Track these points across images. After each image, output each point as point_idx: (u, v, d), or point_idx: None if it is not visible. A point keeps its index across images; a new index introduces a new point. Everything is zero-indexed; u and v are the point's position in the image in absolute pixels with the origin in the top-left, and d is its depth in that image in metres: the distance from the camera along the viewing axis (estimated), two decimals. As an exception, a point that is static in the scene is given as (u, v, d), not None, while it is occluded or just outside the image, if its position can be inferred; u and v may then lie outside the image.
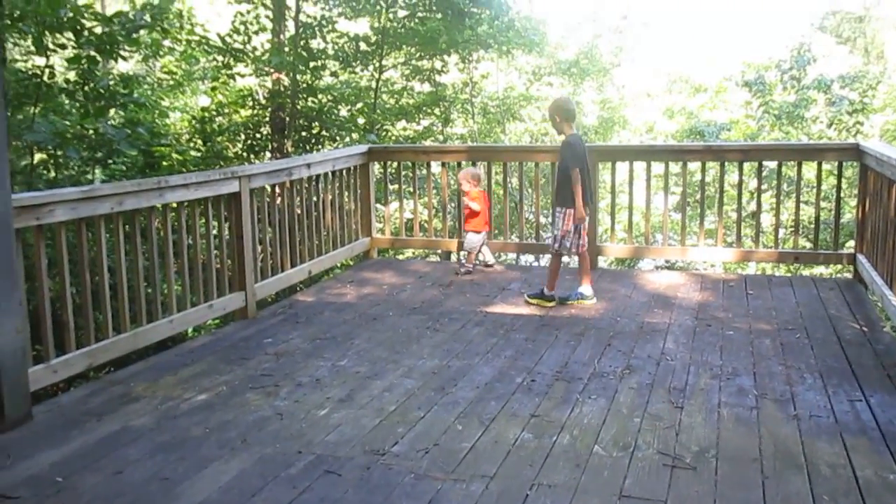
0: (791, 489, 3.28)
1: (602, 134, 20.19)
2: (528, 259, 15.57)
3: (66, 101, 9.51)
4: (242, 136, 12.19)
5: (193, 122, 12.32)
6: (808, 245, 12.24)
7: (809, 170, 8.85)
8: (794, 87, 15.66)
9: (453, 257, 14.78)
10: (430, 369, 4.80)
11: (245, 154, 11.96)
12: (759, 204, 7.57)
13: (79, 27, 8.29)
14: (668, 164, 7.75)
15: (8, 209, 3.94)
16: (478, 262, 7.63)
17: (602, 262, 8.20)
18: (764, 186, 10.28)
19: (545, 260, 15.72)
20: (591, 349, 5.15)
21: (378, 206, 8.64)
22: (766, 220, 12.64)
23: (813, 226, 7.32)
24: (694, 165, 9.96)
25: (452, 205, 10.85)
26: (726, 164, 7.70)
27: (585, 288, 6.30)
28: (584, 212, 6.03)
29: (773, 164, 9.39)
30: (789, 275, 8.57)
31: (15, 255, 3.99)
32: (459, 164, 8.28)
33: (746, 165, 9.79)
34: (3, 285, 3.88)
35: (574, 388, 4.45)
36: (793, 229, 8.41)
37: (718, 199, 7.68)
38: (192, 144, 11.78)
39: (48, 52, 8.60)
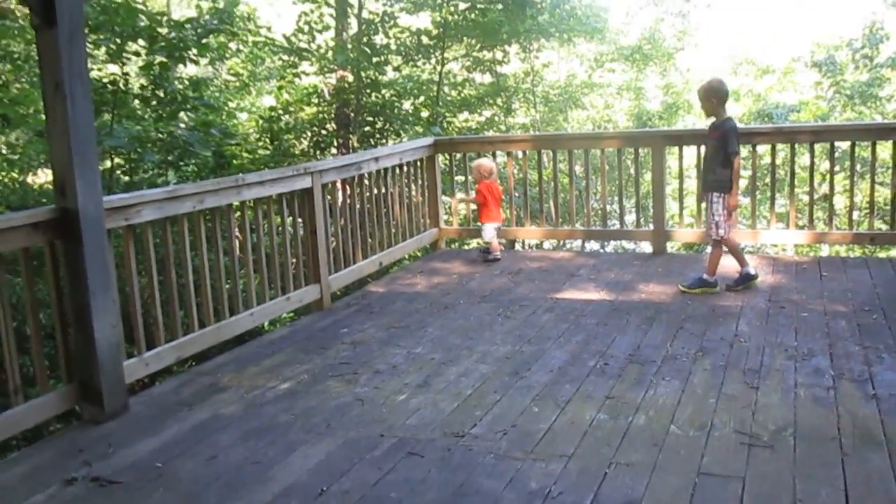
0: (871, 466, 3.29)
1: (667, 119, 19.97)
2: (593, 245, 15.54)
3: (140, 107, 9.86)
4: (308, 134, 12.44)
5: (261, 121, 12.62)
6: (884, 227, 11.95)
7: (884, 150, 8.66)
8: (867, 65, 15.26)
9: (518, 246, 14.85)
10: (504, 355, 4.89)
11: (311, 151, 12.22)
12: (831, 186, 7.46)
13: (154, 34, 8.58)
14: (738, 150, 7.67)
15: (100, 211, 4.16)
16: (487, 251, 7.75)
17: (670, 248, 8.18)
18: (836, 168, 10.09)
19: (611, 246, 15.69)
20: (663, 333, 5.17)
21: (444, 197, 8.75)
22: (840, 202, 12.38)
23: (889, 207, 7.18)
24: (763, 148, 9.82)
25: (517, 193, 10.91)
26: (797, 146, 7.60)
27: (711, 277, 6.16)
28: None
29: (845, 145, 9.22)
30: (865, 256, 8.41)
31: (108, 254, 4.22)
32: (524, 154, 8.34)
33: (818, 147, 9.63)
34: (99, 284, 4.11)
35: (647, 370, 4.49)
36: (867, 211, 8.26)
37: (789, 181, 7.58)
38: (260, 143, 12.08)
39: (122, 61, 8.95)
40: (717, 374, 4.38)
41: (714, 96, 5.89)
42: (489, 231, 7.68)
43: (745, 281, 6.13)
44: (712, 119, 6.04)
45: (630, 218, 13.92)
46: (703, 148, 7.74)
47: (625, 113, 20.93)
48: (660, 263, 7.20)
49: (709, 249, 6.38)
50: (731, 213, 5.98)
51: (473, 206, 7.70)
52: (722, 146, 5.85)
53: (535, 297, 6.22)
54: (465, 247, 13.24)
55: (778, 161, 7.37)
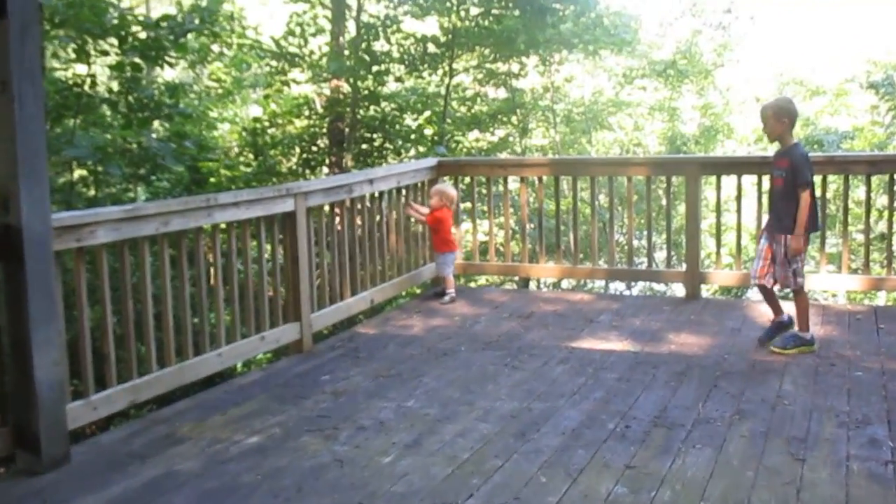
0: (937, 559, 3.16)
1: (704, 144, 19.95)
2: (617, 287, 15.42)
3: (108, 113, 9.84)
4: (297, 150, 12.44)
5: (244, 134, 12.62)
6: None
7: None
8: (931, 88, 15.25)
9: (532, 285, 14.76)
10: (509, 412, 4.78)
11: (300, 169, 12.20)
12: (890, 224, 7.36)
13: (124, 32, 8.57)
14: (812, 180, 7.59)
15: (48, 230, 4.08)
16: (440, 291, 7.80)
17: (705, 292, 8.08)
18: (896, 204, 10.00)
19: (638, 288, 15.58)
20: (695, 391, 5.07)
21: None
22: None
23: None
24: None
25: (532, 225, 10.84)
26: (850, 177, 7.52)
27: (807, 333, 5.92)
28: (803, 242, 5.66)
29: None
30: (928, 307, 8.29)
31: (54, 280, 4.13)
32: (541, 180, 8.28)
33: (874, 179, 9.54)
34: (41, 313, 4.02)
35: (675, 435, 4.38)
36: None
37: (842, 218, 7.49)
38: (242, 159, 12.06)
39: (90, 60, 8.93)
40: (756, 443, 4.26)
41: (787, 116, 5.67)
42: (450, 263, 7.73)
43: (802, 342, 5.83)
44: (776, 145, 5.90)
45: (660, 256, 13.84)
46: (743, 178, 7.68)
47: (656, 136, 20.93)
48: (693, 310, 7.10)
49: (750, 295, 6.25)
50: (794, 258, 5.70)
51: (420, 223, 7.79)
52: (791, 177, 5.64)
53: (547, 346, 6.12)
54: (472, 283, 13.15)
55: (829, 194, 7.30)
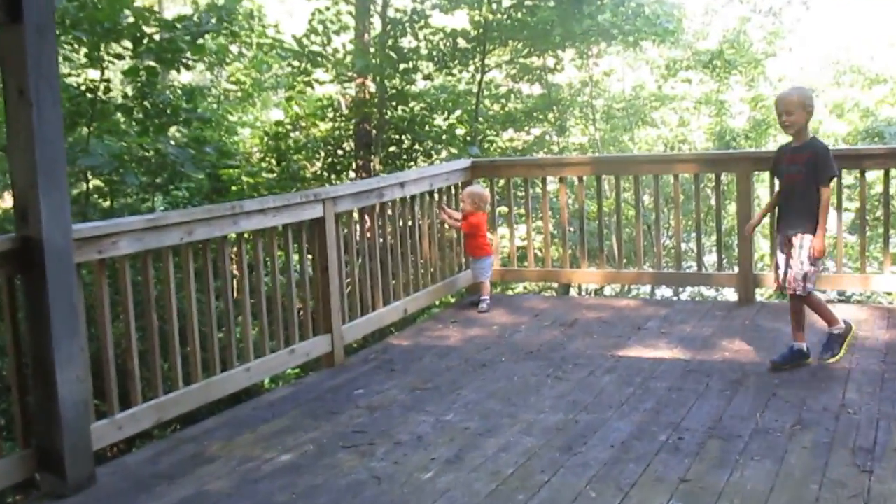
0: None
1: (754, 139, 19.83)
2: (664, 292, 15.38)
3: (123, 119, 9.99)
4: (322, 154, 12.53)
5: (265, 138, 12.74)
6: None
7: None
8: None
9: (573, 291, 14.76)
10: (554, 425, 4.82)
11: (325, 174, 12.29)
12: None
13: (138, 34, 8.70)
14: (840, 174, 7.57)
15: (69, 241, 4.18)
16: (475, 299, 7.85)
17: (759, 296, 8.05)
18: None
19: (687, 293, 15.52)
20: (752, 400, 5.07)
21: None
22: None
23: None
24: (873, 175, 9.68)
25: (572, 228, 10.85)
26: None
27: (839, 326, 5.87)
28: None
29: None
30: None
31: (76, 294, 4.22)
32: (581, 180, 8.29)
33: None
34: (64, 329, 4.11)
35: (732, 447, 4.39)
36: None
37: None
38: (264, 165, 12.18)
39: (103, 65, 9.08)
40: (819, 454, 4.26)
41: (811, 107, 5.60)
42: (488, 268, 7.81)
43: (798, 357, 5.69)
44: (790, 140, 5.73)
45: (710, 259, 13.77)
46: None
47: (703, 131, 20.83)
48: (747, 315, 7.08)
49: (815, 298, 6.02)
50: (816, 260, 5.57)
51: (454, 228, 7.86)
52: (813, 172, 5.48)
53: (592, 355, 6.15)
54: (510, 291, 13.18)
55: (892, 190, 7.24)
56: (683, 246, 15.50)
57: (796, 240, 5.58)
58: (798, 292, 5.63)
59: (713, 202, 14.30)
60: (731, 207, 15.61)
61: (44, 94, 4.01)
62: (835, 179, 5.70)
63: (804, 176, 5.53)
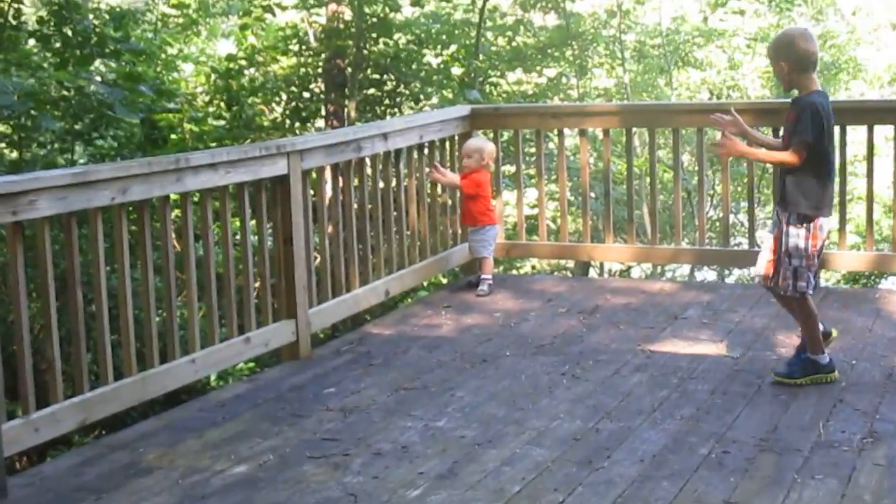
0: None
1: (822, 85, 19.87)
2: (707, 274, 15.47)
3: (37, 50, 9.96)
4: (284, 97, 12.50)
5: (213, 76, 12.69)
6: None
7: None
8: None
9: (594, 272, 14.82)
10: (570, 434, 4.86)
11: (288, 122, 12.28)
12: None
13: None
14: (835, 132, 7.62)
15: (-24, 199, 4.21)
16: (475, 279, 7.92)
17: (825, 280, 8.12)
18: None
19: (734, 276, 15.61)
20: (813, 407, 5.12)
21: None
22: None
23: None
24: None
25: (594, 194, 10.90)
26: None
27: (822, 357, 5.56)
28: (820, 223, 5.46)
29: None
30: None
31: (-15, 263, 4.26)
32: (606, 133, 8.32)
33: None
34: (-31, 306, 4.15)
35: (788, 462, 4.44)
36: None
37: None
38: (211, 109, 12.15)
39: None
40: (894, 473, 4.33)
41: (786, 58, 5.42)
42: (491, 240, 7.86)
43: (815, 369, 5.49)
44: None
45: (764, 234, 13.82)
46: (876, 129, 7.70)
47: (758, 76, 20.86)
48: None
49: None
50: (805, 251, 5.43)
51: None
52: (800, 137, 5.38)
53: (618, 349, 6.19)
54: (516, 271, 13.23)
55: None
56: (731, 218, 15.62)
57: (780, 222, 5.55)
58: (788, 293, 5.54)
59: (769, 164, 14.37)
60: (792, 171, 15.65)
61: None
62: (817, 145, 5.38)
63: (788, 140, 5.55)
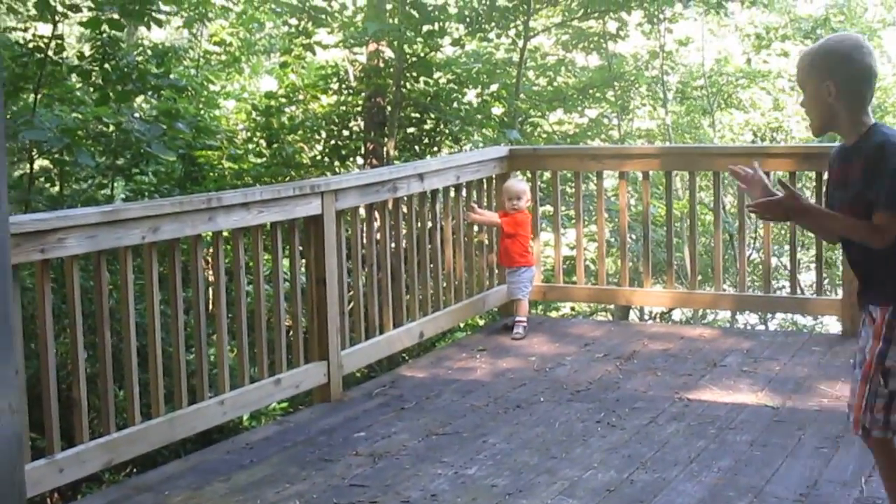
0: None
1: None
2: (748, 319, 15.32)
3: (79, 86, 10.05)
4: (324, 134, 12.54)
5: (254, 114, 12.77)
6: None
7: None
8: None
9: (633, 315, 14.73)
10: (604, 484, 4.80)
11: (327, 160, 12.30)
12: None
13: (99, -21, 8.75)
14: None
15: (5, 237, 4.16)
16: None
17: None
18: None
19: (776, 322, 15.46)
20: (856, 460, 5.03)
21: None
22: None
23: None
24: None
25: (632, 236, 10.82)
26: None
27: None
28: None
29: None
30: None
31: (13, 301, 4.22)
32: (646, 175, 8.27)
33: None
34: (-6, 345, 4.11)
35: (829, 520, 4.35)
36: None
37: None
38: (251, 146, 12.22)
39: (55, 17, 9.13)
40: (939, 532, 4.21)
41: (833, 77, 3.75)
42: (528, 282, 7.84)
43: None
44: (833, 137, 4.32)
45: (807, 279, 13.70)
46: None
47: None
48: (852, 351, 7.00)
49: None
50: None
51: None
52: (869, 191, 3.69)
53: (655, 397, 6.13)
54: (553, 312, 13.16)
55: None
56: (774, 262, 15.43)
57: (882, 324, 3.85)
58: (867, 427, 3.87)
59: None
60: (836, 215, 15.51)
61: (-22, 52, 4.03)
62: None
63: (860, 204, 3.74)
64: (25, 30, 10.01)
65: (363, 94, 12.59)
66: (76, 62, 9.73)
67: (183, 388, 5.31)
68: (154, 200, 5.51)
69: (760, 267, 9.25)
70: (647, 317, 14.82)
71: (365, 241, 6.78)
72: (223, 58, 15.16)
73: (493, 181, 8.13)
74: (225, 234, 5.73)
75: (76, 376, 4.81)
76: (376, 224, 6.91)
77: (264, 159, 11.80)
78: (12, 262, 4.26)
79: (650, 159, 8.46)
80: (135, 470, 6.89)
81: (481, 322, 9.47)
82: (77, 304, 4.76)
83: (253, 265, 5.86)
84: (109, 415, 4.93)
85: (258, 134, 12.38)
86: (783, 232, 15.37)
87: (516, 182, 7.93)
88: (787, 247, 13.29)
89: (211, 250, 5.87)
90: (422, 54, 12.43)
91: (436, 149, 12.52)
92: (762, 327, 14.38)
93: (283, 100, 12.71)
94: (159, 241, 5.14)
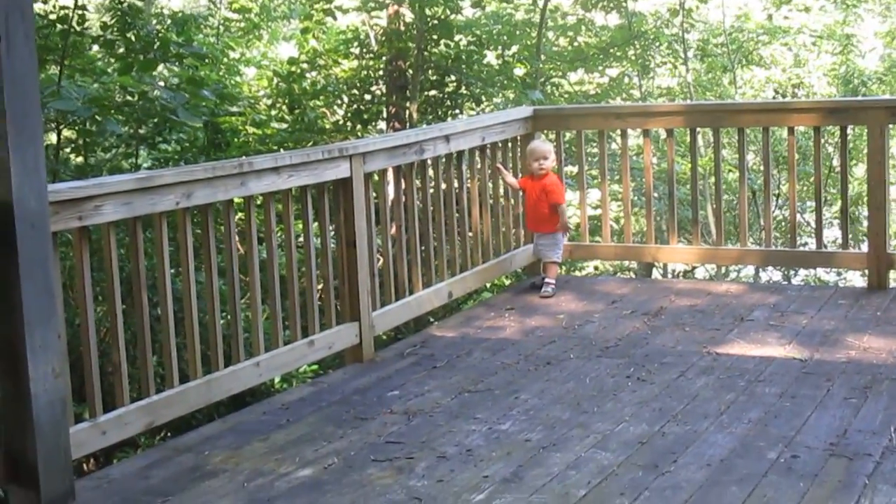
0: None
1: (889, 83, 19.61)
2: (772, 275, 15.32)
3: (101, 56, 10.10)
4: (346, 99, 12.56)
5: (275, 80, 12.80)
6: None
7: None
8: None
9: (657, 273, 14.75)
10: (636, 437, 4.85)
11: (349, 124, 12.34)
12: None
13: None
14: None
15: (44, 205, 4.25)
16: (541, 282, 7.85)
17: (894, 280, 8.00)
18: None
19: (801, 276, 15.44)
20: (885, 410, 5.06)
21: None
22: None
23: None
24: None
25: (656, 194, 10.83)
26: None
27: None
28: None
29: None
30: None
31: (53, 268, 4.31)
32: (669, 133, 8.28)
33: None
34: (38, 311, 4.18)
35: (859, 468, 4.39)
36: None
37: None
38: (273, 112, 12.26)
39: (78, -11, 9.18)
40: (969, 478, 4.27)
41: None
42: (562, 244, 7.82)
43: None
44: None
45: (832, 234, 13.70)
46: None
47: (824, 73, 20.63)
48: (879, 304, 7.06)
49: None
50: None
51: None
52: None
53: (683, 351, 6.17)
54: (579, 272, 13.19)
55: None
56: (798, 217, 15.44)
57: None
58: None
59: (836, 163, 14.20)
60: (860, 169, 15.48)
61: (15, 24, 4.06)
62: None
63: None
64: (46, 1, 10.06)
65: (384, 58, 12.62)
66: (98, 32, 9.78)
67: (219, 351, 5.38)
68: (186, 167, 5.57)
69: (785, 223, 9.25)
70: (671, 274, 14.82)
71: (393, 203, 6.83)
72: (242, 25, 15.18)
73: (518, 141, 8.15)
74: (256, 198, 5.78)
75: (114, 341, 4.87)
76: (403, 186, 6.96)
77: (287, 125, 11.85)
78: (52, 230, 4.36)
79: (674, 117, 8.45)
80: (170, 433, 6.99)
81: (508, 282, 9.52)
82: (114, 270, 4.82)
83: (283, 229, 5.93)
84: (149, 378, 5.00)
85: (280, 100, 12.42)
86: (807, 188, 15.35)
87: (541, 143, 7.92)
88: (810, 203, 13.30)
89: (242, 215, 5.93)
90: (442, 16, 12.43)
91: (457, 111, 12.54)
92: (787, 282, 14.39)
93: (304, 65, 12.73)
94: (192, 207, 5.20)
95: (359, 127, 12.38)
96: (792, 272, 15.33)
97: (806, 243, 13.45)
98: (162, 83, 10.15)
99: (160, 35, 9.73)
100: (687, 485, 4.30)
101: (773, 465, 4.46)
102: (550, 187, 7.67)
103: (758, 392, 5.41)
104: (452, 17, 12.62)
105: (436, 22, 12.39)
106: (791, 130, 7.91)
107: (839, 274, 15.09)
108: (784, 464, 4.47)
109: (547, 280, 7.71)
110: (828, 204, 15.36)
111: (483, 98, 12.49)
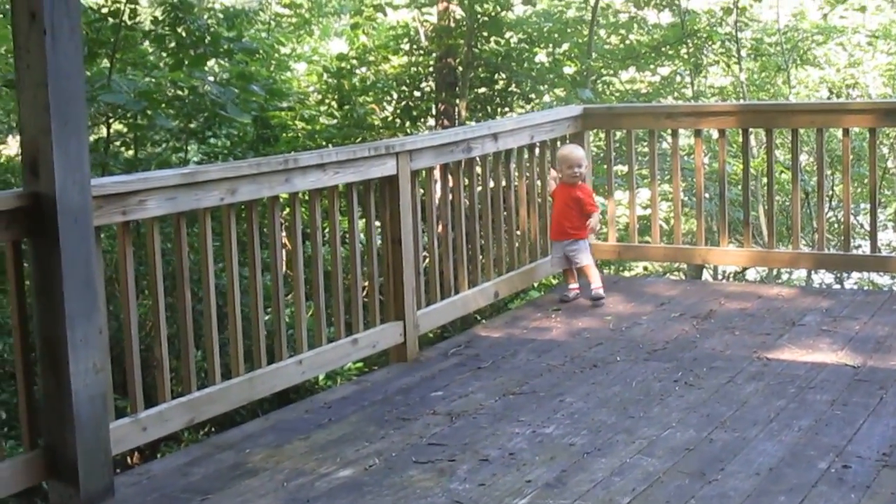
0: None
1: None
2: (824, 278, 15.15)
3: (152, 50, 10.15)
4: (395, 96, 12.56)
5: (325, 75, 12.82)
6: None
7: None
8: None
9: (708, 275, 14.61)
10: (683, 444, 4.78)
11: (398, 121, 12.34)
12: None
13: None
14: None
15: (87, 199, 4.25)
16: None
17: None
18: None
19: (853, 280, 15.25)
20: (940, 420, 4.98)
21: (597, 197, 8.66)
22: None
23: None
24: None
25: (707, 195, 10.71)
26: None
27: None
28: None
29: None
30: None
31: (96, 262, 4.30)
32: (722, 133, 8.18)
33: None
34: (79, 305, 4.18)
35: (913, 480, 4.31)
36: None
37: None
38: (322, 108, 12.28)
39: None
40: None
41: None
42: (588, 248, 7.58)
43: None
44: None
45: (886, 237, 13.52)
46: None
47: (881, 74, 20.39)
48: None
49: None
50: None
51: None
52: None
53: (733, 356, 6.09)
54: (627, 272, 13.10)
55: None
56: (852, 220, 15.23)
57: None
58: None
59: (891, 164, 14.02)
60: (915, 172, 15.28)
61: (60, 17, 4.07)
62: None
63: None
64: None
65: (434, 55, 12.61)
66: (149, 27, 9.82)
67: (262, 348, 5.37)
68: (232, 162, 5.57)
69: (839, 225, 9.12)
70: (721, 276, 14.69)
71: (439, 201, 6.79)
72: (293, 20, 15.23)
73: (567, 140, 8.07)
74: (301, 195, 5.76)
75: (157, 336, 4.88)
76: (450, 184, 6.92)
77: (336, 120, 11.86)
78: (95, 224, 4.35)
79: (726, 117, 8.35)
80: (214, 429, 7.00)
81: (555, 282, 9.45)
82: (158, 265, 4.82)
83: (329, 226, 5.90)
84: (191, 374, 5.00)
85: (329, 96, 12.44)
86: (861, 190, 15.18)
87: (575, 148, 7.64)
88: (865, 205, 13.13)
89: (288, 212, 5.91)
90: (493, 13, 12.40)
91: (507, 109, 12.51)
92: (840, 287, 14.21)
93: (354, 61, 12.75)
94: (237, 203, 5.18)
95: (408, 124, 12.37)
96: (845, 276, 15.15)
97: (860, 246, 13.27)
98: (212, 78, 10.18)
99: (211, 30, 9.77)
100: (734, 494, 4.23)
101: (824, 476, 4.39)
102: (587, 199, 7.47)
103: (808, 399, 5.33)
104: (503, 14, 12.60)
105: (486, 19, 12.37)
106: (846, 132, 7.79)
107: (893, 278, 14.88)
108: (835, 474, 4.40)
109: (594, 287, 7.49)
110: (882, 206, 15.18)
111: (533, 96, 12.44)
